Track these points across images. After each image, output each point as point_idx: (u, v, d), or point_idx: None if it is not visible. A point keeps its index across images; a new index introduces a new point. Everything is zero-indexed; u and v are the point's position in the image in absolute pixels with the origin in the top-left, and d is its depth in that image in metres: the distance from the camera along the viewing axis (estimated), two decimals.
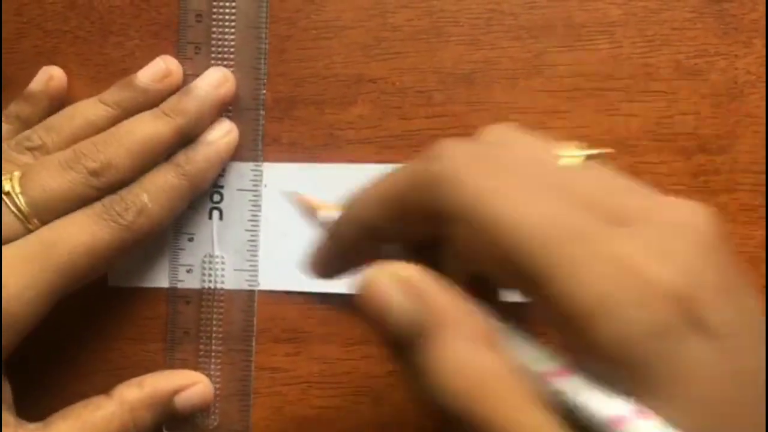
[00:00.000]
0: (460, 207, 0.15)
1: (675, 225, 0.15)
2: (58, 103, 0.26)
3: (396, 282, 0.16)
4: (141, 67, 0.25)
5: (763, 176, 0.24)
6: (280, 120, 0.26)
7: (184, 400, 0.24)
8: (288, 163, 0.26)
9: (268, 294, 0.26)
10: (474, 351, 0.15)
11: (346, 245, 0.19)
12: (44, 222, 0.23)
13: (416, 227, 0.17)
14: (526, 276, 0.15)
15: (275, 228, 0.26)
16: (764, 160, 0.24)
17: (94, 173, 0.23)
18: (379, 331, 0.16)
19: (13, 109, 0.26)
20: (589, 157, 0.17)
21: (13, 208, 0.22)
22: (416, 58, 0.26)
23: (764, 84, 0.24)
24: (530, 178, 0.16)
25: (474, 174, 0.15)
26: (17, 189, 0.22)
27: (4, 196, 0.22)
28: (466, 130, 0.25)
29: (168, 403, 0.24)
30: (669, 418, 0.14)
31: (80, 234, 0.22)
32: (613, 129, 0.25)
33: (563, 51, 0.25)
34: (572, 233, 0.14)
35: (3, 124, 0.26)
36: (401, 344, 0.16)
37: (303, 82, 0.26)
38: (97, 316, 0.26)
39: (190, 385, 0.25)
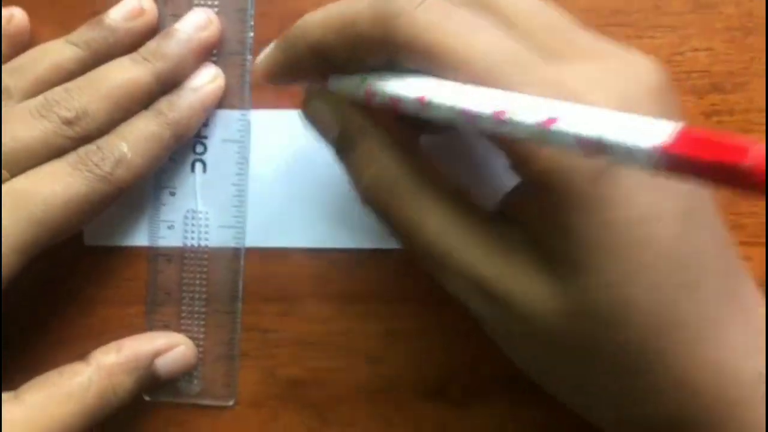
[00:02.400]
0: (411, 39, 0.17)
1: (618, 66, 0.17)
2: (20, 47, 0.24)
3: (327, 102, 0.20)
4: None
5: None
6: None
7: (165, 363, 0.23)
8: (276, 110, 0.24)
9: (256, 251, 0.24)
10: (384, 158, 0.19)
11: (295, 60, 0.20)
12: (14, 174, 0.21)
13: (365, 54, 0.19)
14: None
15: (263, 181, 0.24)
16: None
17: (67, 122, 0.21)
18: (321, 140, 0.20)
19: None
20: None
21: None
22: None
23: None
24: (477, 16, 0.17)
25: (424, 10, 0.17)
26: None
27: None
28: None
29: (148, 366, 0.23)
30: (593, 243, 0.15)
31: (54, 185, 0.21)
32: None
33: None
34: (514, 60, 0.16)
35: None
36: (337, 153, 0.20)
37: (290, 23, 0.24)
38: (73, 278, 0.24)
39: (172, 347, 0.23)
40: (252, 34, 0.24)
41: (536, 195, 0.17)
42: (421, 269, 0.20)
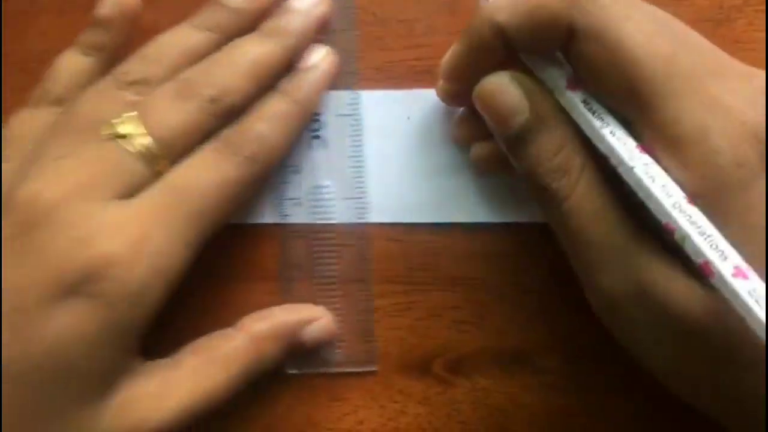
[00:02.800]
0: (597, 25, 0.18)
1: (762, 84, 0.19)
2: (134, 27, 0.24)
3: (515, 81, 0.20)
4: None
5: None
6: None
7: (310, 333, 0.24)
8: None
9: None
10: (575, 145, 0.20)
11: (479, 43, 0.21)
12: (172, 162, 0.21)
13: (547, 40, 0.19)
14: (641, 99, 0.18)
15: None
16: None
17: (212, 100, 0.22)
18: (496, 127, 0.21)
19: (88, 38, 0.24)
20: None
21: (139, 152, 0.21)
22: None
23: (751, 9, 0.25)
24: (660, 20, 0.19)
25: (613, 0, 0.19)
26: (140, 129, 0.21)
27: (121, 141, 0.21)
28: None
29: (294, 336, 0.23)
30: (735, 243, 0.17)
31: (210, 174, 0.21)
32: None
33: None
34: (687, 72, 0.18)
35: (81, 56, 0.24)
36: (518, 136, 0.20)
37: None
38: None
39: (315, 318, 0.24)
40: (355, 10, 0.25)
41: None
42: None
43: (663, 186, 0.18)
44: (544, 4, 0.19)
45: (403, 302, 0.25)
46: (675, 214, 0.18)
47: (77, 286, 0.19)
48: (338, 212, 0.25)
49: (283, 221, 0.25)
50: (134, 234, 0.20)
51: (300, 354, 0.24)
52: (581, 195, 0.20)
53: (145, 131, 0.21)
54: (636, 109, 0.19)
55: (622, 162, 0.19)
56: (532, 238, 0.25)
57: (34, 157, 0.21)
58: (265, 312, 0.24)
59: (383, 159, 0.25)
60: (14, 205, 0.20)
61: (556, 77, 0.20)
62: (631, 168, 0.18)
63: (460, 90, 0.22)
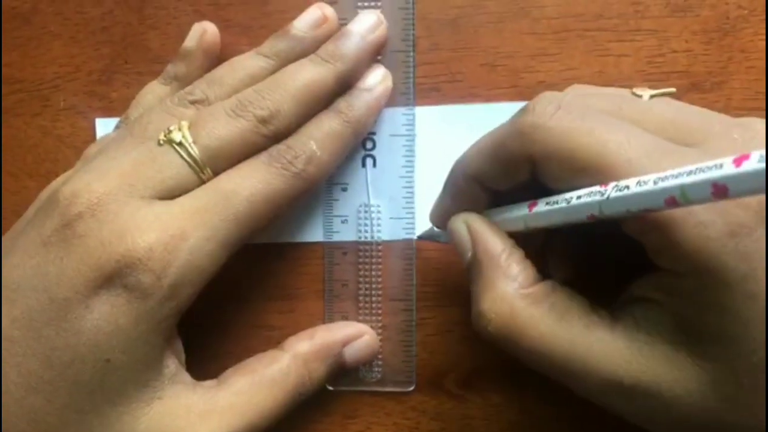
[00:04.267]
0: (550, 146, 0.18)
1: (743, 141, 0.18)
2: (214, 59, 0.25)
3: (464, 226, 0.21)
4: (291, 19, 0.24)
5: (759, 113, 0.24)
6: None
7: (352, 351, 0.24)
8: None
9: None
10: (507, 292, 0.20)
11: (458, 192, 0.22)
12: (216, 171, 0.22)
13: (514, 171, 0.20)
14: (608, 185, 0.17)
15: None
16: (761, 96, 0.24)
17: (262, 121, 0.22)
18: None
19: (170, 69, 0.25)
20: (653, 96, 0.20)
21: (187, 158, 0.21)
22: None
23: (757, 18, 0.24)
24: (607, 115, 0.19)
25: (558, 119, 0.19)
26: (189, 138, 0.22)
27: (176, 147, 0.22)
28: (453, 77, 0.25)
29: (338, 354, 0.24)
30: (742, 316, 0.16)
31: (256, 182, 0.22)
32: (603, 70, 0.25)
33: None
34: (648, 151, 0.17)
35: (161, 86, 0.25)
36: (469, 275, 0.21)
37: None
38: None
39: (358, 336, 0.24)
40: (414, 31, 0.25)
41: (682, 278, 0.17)
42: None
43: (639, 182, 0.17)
44: (501, 147, 0.20)
45: (415, 318, 0.25)
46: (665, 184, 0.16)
47: (114, 277, 0.20)
48: (385, 230, 0.25)
49: (329, 239, 0.25)
50: (173, 230, 0.20)
51: (340, 372, 0.24)
52: (528, 333, 0.19)
53: (192, 140, 0.22)
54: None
55: (600, 194, 0.18)
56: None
57: (91, 160, 0.22)
58: (309, 332, 0.24)
59: (434, 178, 0.24)
60: (61, 199, 0.20)
61: (517, 211, 0.21)
62: (606, 193, 0.18)
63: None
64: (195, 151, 0.21)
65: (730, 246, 0.16)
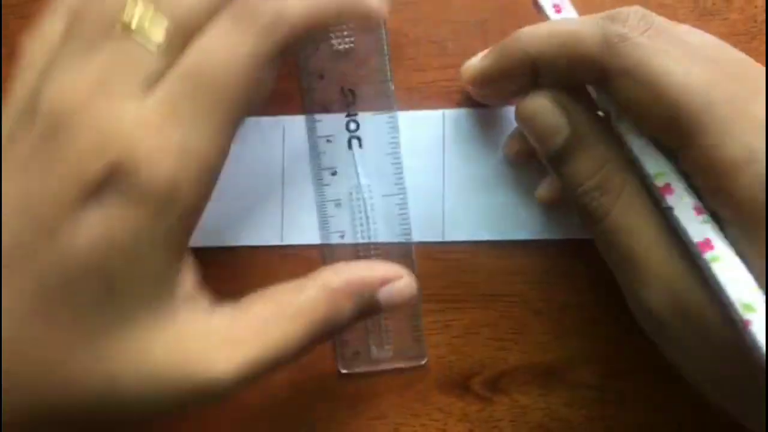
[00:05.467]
0: (633, 64, 0.19)
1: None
2: None
3: (554, 102, 0.21)
4: None
5: None
6: None
7: (389, 292, 0.21)
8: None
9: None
10: (616, 161, 0.20)
11: (507, 66, 0.21)
12: (186, 39, 0.19)
13: (581, 72, 0.20)
14: (683, 129, 0.18)
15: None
16: None
17: None
18: (538, 147, 0.21)
19: None
20: None
21: (154, 40, 0.18)
22: (429, 7, 0.26)
23: None
24: (693, 49, 0.19)
25: (650, 37, 0.19)
26: (149, 14, 0.18)
27: (134, 35, 0.18)
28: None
29: (371, 295, 0.21)
30: None
31: (223, 52, 0.19)
32: None
33: None
34: (727, 97, 0.18)
35: None
36: (557, 155, 0.21)
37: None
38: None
39: (396, 277, 0.22)
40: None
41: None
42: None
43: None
44: (579, 43, 0.19)
45: (441, 320, 0.25)
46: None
47: (102, 185, 0.18)
48: (378, 207, 0.25)
49: (326, 223, 0.25)
50: (157, 125, 0.18)
51: (350, 355, 0.24)
52: (620, 213, 0.20)
53: (160, 16, 0.18)
54: (679, 138, 0.19)
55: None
56: (568, 253, 0.25)
57: (50, 66, 0.19)
58: (342, 265, 0.22)
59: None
60: (38, 114, 0.18)
61: (609, 102, 0.20)
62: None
63: (484, 92, 0.23)
64: (163, 26, 0.18)
65: None
